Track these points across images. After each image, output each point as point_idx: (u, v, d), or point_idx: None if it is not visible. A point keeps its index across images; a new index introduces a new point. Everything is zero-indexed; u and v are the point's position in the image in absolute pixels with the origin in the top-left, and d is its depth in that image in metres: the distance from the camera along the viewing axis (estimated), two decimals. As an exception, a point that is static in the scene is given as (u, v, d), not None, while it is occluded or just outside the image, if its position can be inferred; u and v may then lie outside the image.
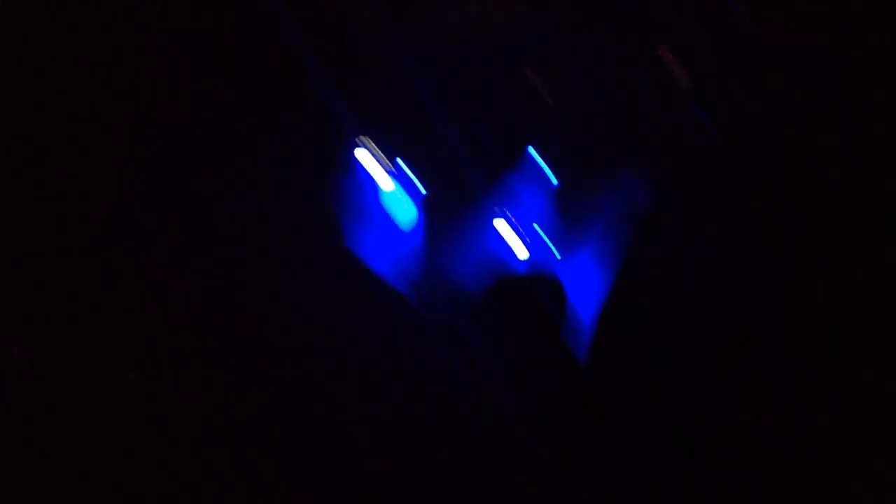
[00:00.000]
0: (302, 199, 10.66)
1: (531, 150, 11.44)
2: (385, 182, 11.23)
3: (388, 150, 11.26)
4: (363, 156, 11.02)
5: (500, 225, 11.70)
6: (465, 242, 11.17)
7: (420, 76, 10.51)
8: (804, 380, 9.23)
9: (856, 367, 9.07)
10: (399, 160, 11.42)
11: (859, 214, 9.56)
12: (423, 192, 11.08)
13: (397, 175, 11.28)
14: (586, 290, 10.84)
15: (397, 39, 10.53)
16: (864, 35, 8.97)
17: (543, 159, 11.44)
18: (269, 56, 10.71)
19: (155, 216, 9.43)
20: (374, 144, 11.06)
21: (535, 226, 11.82)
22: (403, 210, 11.31)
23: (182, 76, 10.39)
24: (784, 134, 9.83)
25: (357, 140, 11.03)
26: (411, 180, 11.20)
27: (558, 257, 10.56)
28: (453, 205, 11.31)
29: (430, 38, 10.62)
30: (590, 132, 11.08)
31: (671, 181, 11.00)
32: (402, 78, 10.71)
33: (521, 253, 11.49)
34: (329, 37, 10.59)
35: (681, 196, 10.82)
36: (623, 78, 10.58)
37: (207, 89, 10.43)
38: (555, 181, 11.28)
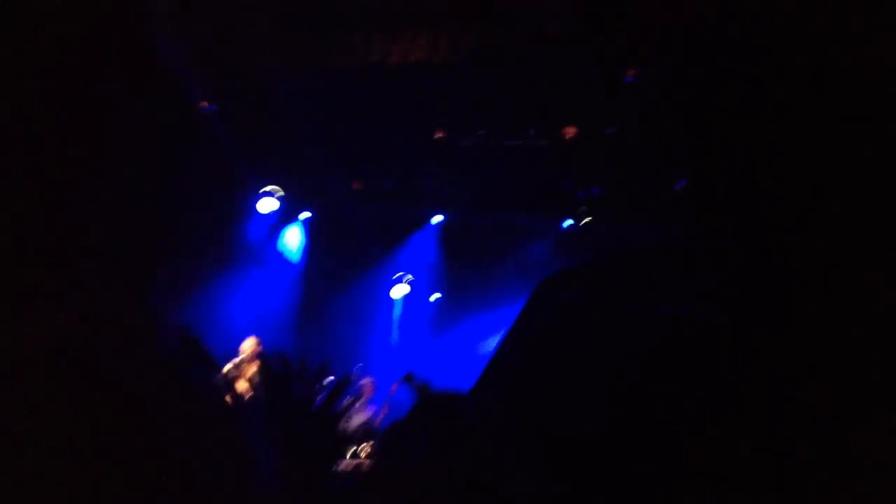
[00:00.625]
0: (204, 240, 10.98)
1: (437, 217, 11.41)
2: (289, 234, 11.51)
3: (290, 200, 11.43)
4: (266, 204, 11.21)
5: (396, 291, 11.83)
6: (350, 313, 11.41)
7: (320, 125, 10.43)
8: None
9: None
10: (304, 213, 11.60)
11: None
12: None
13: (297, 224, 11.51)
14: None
15: (301, 88, 10.44)
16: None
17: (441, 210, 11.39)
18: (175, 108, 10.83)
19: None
20: (278, 192, 11.22)
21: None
22: (295, 254, 11.59)
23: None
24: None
25: (261, 190, 11.21)
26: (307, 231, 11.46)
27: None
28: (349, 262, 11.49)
29: (340, 84, 10.45)
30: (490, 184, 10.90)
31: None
32: (304, 127, 10.68)
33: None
34: (236, 88, 10.58)
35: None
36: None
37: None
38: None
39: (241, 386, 9.51)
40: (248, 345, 9.55)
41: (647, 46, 8.75)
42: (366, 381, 10.44)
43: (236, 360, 9.75)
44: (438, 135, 10.58)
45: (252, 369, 9.81)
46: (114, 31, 9.85)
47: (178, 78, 10.30)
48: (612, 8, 8.27)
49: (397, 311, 11.91)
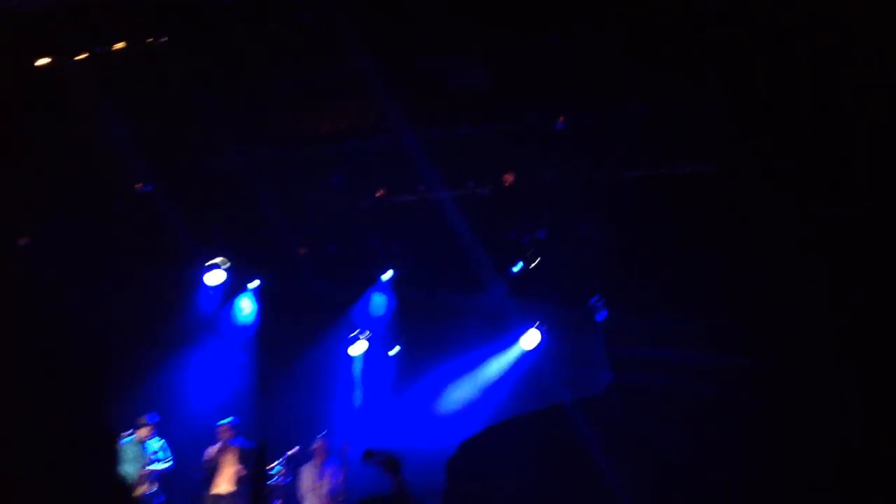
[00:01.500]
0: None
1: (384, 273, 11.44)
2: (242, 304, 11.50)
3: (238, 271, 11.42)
4: (213, 277, 11.18)
5: (356, 348, 11.84)
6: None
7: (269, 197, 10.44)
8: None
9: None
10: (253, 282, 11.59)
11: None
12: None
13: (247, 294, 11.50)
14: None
15: (241, 161, 10.45)
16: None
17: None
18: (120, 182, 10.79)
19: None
20: (225, 263, 11.20)
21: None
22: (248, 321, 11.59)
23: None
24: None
25: (209, 263, 11.18)
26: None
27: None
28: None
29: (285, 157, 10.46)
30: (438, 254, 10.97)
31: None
32: (248, 198, 10.68)
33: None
34: (175, 166, 10.55)
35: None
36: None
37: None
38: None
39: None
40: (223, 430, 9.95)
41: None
42: (317, 444, 10.49)
43: (213, 448, 9.96)
44: (379, 194, 10.63)
45: (228, 456, 10.06)
46: (58, 110, 9.86)
47: (118, 159, 10.30)
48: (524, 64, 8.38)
49: (357, 369, 11.92)
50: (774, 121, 7.92)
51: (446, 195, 10.26)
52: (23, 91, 9.48)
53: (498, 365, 11.54)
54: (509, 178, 10.19)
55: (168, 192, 10.58)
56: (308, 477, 10.44)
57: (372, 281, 11.41)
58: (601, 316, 10.47)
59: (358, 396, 11.88)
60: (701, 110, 8.24)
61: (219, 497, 9.99)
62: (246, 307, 11.54)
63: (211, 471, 10.08)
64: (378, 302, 11.58)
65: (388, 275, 11.37)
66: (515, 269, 11.08)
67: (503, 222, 10.71)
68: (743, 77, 7.85)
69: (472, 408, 11.35)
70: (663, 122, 8.54)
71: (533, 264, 10.98)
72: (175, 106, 9.95)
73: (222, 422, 10.34)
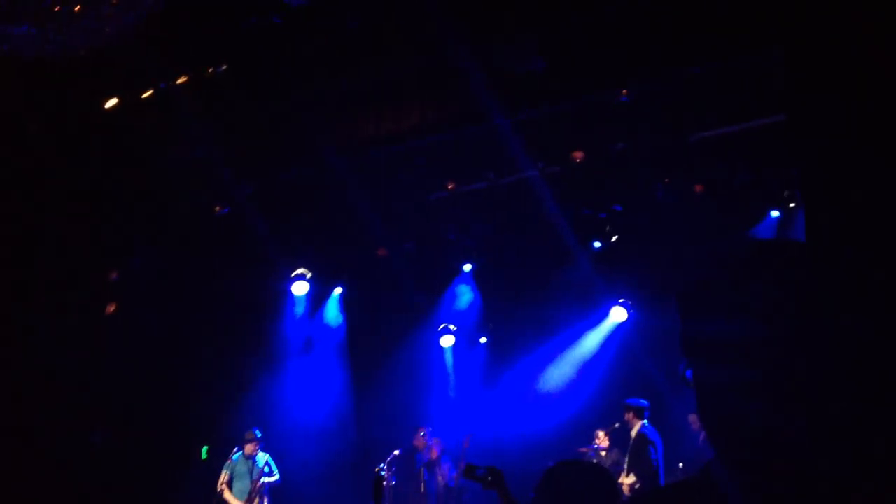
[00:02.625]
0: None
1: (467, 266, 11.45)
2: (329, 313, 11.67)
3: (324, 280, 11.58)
4: (299, 287, 11.37)
5: (446, 340, 11.89)
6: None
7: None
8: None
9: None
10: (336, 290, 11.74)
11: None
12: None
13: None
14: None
15: (311, 170, 10.58)
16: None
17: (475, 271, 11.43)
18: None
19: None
20: (307, 274, 11.38)
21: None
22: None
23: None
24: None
25: (294, 273, 11.38)
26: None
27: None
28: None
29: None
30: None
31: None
32: (321, 206, 10.83)
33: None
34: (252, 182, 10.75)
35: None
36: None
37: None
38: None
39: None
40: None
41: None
42: (433, 443, 10.54)
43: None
44: (449, 186, 10.62)
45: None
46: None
47: (195, 181, 10.58)
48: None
49: (449, 361, 11.99)
50: (843, 66, 7.55)
51: (517, 177, 10.21)
52: (97, 130, 9.84)
53: (590, 343, 11.45)
54: (578, 156, 10.05)
55: (248, 207, 10.79)
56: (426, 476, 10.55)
57: (454, 274, 11.44)
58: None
59: (452, 388, 11.95)
60: (763, 64, 7.95)
61: None
62: (332, 311, 11.72)
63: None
64: (463, 294, 11.61)
65: (468, 266, 11.38)
66: (596, 245, 10.97)
67: (578, 200, 10.59)
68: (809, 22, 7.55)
69: (568, 389, 11.29)
70: (726, 81, 8.29)
71: (613, 238, 10.86)
72: (240, 124, 10.19)
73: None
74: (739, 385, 1.29)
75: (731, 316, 1.31)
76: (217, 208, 10.64)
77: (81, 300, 10.68)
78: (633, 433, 9.34)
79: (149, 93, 9.39)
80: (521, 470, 9.19)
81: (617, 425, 9.61)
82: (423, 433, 10.63)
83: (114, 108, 9.45)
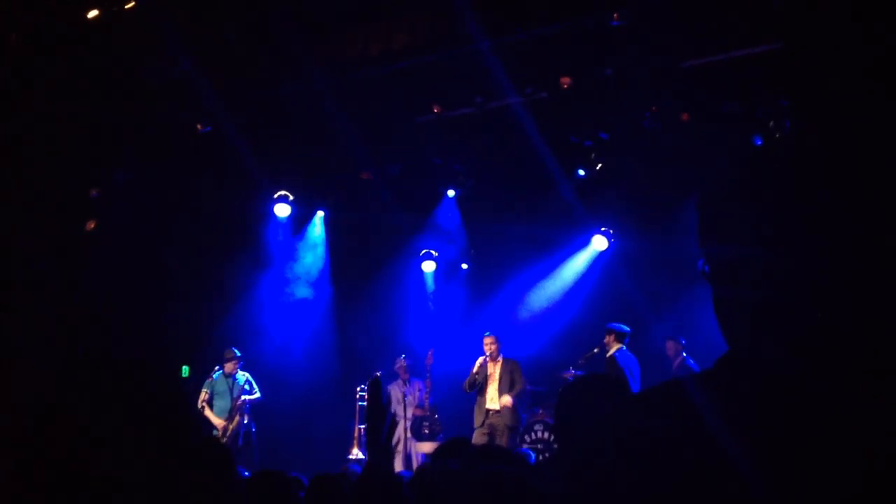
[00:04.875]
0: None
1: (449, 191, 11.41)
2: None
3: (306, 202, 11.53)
4: (281, 209, 11.32)
5: (427, 266, 11.92)
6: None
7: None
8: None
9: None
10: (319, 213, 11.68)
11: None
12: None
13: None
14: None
15: (293, 90, 10.45)
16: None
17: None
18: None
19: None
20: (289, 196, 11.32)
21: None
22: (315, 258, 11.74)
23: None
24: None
25: (277, 195, 11.32)
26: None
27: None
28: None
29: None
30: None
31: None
32: (304, 128, 10.72)
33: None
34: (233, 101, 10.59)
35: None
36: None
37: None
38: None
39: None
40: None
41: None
42: (399, 363, 10.69)
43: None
44: (436, 110, 10.54)
45: None
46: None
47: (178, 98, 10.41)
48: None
49: (430, 285, 12.05)
50: None
51: (503, 102, 10.15)
52: (77, 42, 9.62)
53: (572, 270, 11.53)
54: (566, 81, 9.99)
55: (231, 126, 10.64)
56: (396, 395, 10.67)
57: (439, 198, 11.42)
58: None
59: (432, 307, 12.00)
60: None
61: None
62: (315, 237, 11.70)
63: None
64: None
65: (451, 192, 11.36)
66: (581, 172, 10.96)
67: (565, 127, 10.55)
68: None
69: (550, 314, 11.40)
70: (720, 7, 8.24)
71: (598, 166, 10.85)
72: (224, 43, 10.01)
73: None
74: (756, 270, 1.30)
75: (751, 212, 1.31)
76: (199, 127, 10.51)
77: (61, 217, 10.57)
78: (607, 356, 9.49)
79: (131, 3, 9.18)
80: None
81: (596, 350, 9.73)
82: (403, 357, 10.77)
83: (96, 18, 9.22)
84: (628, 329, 9.50)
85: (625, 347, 9.47)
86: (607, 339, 9.53)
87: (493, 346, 9.89)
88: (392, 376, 10.70)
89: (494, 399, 9.76)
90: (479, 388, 9.86)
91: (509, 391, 9.71)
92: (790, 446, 1.19)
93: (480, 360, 9.92)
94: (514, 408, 9.70)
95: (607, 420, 1.40)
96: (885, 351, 1.21)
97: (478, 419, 9.88)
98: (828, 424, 1.19)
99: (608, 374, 9.20)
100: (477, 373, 9.83)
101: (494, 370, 9.88)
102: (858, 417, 1.18)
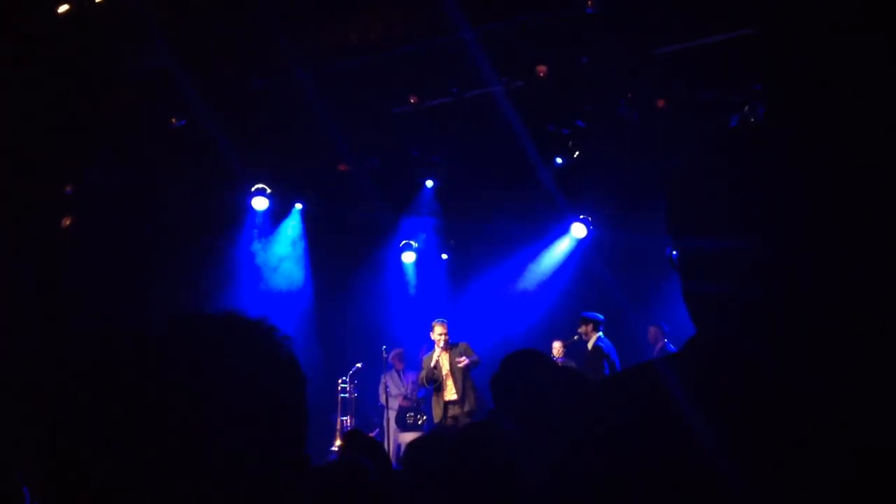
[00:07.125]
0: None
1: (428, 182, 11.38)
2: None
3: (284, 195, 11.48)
4: (259, 202, 11.27)
5: (407, 257, 11.91)
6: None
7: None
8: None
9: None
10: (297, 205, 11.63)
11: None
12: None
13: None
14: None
15: (271, 84, 10.38)
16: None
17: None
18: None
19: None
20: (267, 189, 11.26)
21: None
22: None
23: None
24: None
25: (255, 188, 11.26)
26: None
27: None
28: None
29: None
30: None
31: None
32: (280, 121, 10.67)
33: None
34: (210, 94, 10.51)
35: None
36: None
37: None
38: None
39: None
40: None
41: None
42: (395, 353, 10.69)
43: None
44: (413, 100, 10.51)
45: None
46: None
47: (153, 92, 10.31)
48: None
49: (410, 277, 12.05)
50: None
51: (481, 91, 10.14)
52: (49, 36, 9.51)
53: (550, 258, 11.56)
54: (542, 70, 9.99)
55: (208, 118, 10.56)
56: (393, 384, 10.70)
57: (417, 189, 11.40)
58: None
59: (413, 292, 12.00)
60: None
61: None
62: (292, 232, 11.65)
63: None
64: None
65: (430, 182, 11.34)
66: (558, 160, 10.98)
67: (541, 116, 10.55)
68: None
69: (528, 302, 11.43)
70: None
71: (575, 154, 10.87)
72: (199, 33, 9.92)
73: None
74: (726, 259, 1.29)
75: (717, 192, 1.30)
76: (174, 120, 10.42)
77: (37, 213, 10.48)
78: (590, 345, 9.52)
79: (102, -1, 9.09)
80: (479, 383, 9.43)
81: (575, 337, 9.77)
82: (400, 350, 10.80)
83: (67, 13, 9.13)
84: (602, 317, 9.57)
85: (602, 335, 9.53)
86: (584, 328, 9.57)
87: (446, 336, 9.79)
88: (380, 367, 10.68)
89: (451, 390, 9.70)
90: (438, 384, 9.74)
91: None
92: (761, 431, 1.20)
93: (436, 353, 9.79)
94: (475, 389, 9.72)
95: (582, 404, 1.41)
96: (854, 337, 1.22)
97: (437, 414, 9.80)
98: (798, 407, 1.20)
99: (594, 362, 9.28)
100: (435, 367, 9.72)
101: (448, 360, 9.82)
102: (828, 403, 1.19)
